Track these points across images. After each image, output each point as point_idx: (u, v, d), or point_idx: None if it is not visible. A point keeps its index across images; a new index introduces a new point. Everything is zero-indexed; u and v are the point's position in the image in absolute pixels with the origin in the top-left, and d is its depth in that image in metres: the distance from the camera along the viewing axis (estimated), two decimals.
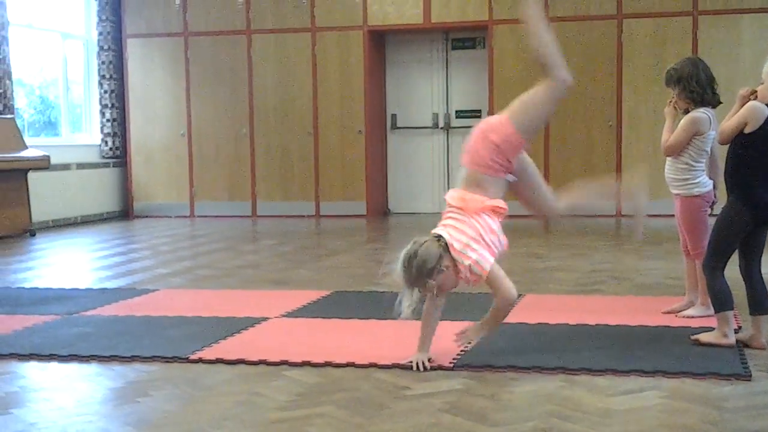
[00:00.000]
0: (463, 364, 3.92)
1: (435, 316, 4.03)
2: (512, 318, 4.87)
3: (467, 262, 3.83)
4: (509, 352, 4.11)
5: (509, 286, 3.94)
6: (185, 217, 11.88)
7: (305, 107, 11.58)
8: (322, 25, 11.45)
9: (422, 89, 11.98)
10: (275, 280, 6.54)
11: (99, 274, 7.03)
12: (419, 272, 3.79)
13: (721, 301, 4.19)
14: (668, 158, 4.78)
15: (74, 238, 9.71)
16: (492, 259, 3.91)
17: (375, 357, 4.04)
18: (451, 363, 3.93)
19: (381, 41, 11.92)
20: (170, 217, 11.85)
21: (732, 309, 4.23)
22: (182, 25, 11.80)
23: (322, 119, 11.55)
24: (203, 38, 11.76)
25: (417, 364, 3.89)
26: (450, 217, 4.02)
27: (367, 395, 3.55)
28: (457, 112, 11.89)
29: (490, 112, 11.07)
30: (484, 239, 3.92)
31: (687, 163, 4.69)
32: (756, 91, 4.17)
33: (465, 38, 11.80)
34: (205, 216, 11.81)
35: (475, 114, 11.70)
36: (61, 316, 5.15)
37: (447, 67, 11.91)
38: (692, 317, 4.78)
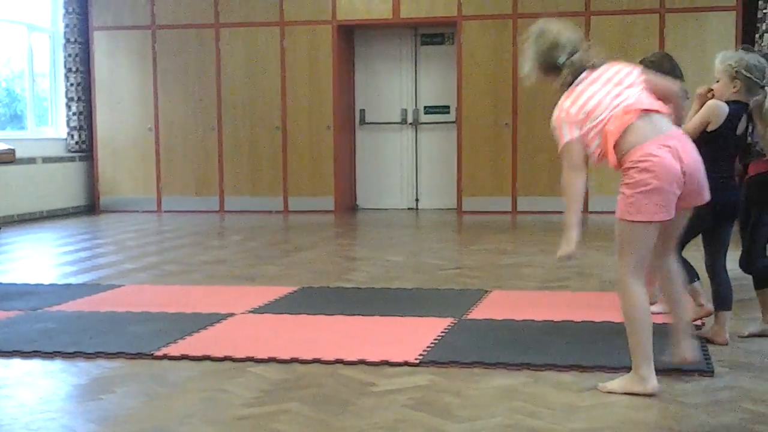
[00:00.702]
0: (429, 360, 3.92)
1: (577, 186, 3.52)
2: (478, 314, 4.89)
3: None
4: (475, 348, 4.11)
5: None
6: (152, 212, 11.80)
7: (274, 102, 11.54)
8: (291, 19, 11.42)
9: (391, 85, 11.98)
10: (242, 276, 6.51)
11: (64, 269, 6.96)
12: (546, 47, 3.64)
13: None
14: None
15: (39, 233, 9.62)
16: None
17: (341, 353, 4.03)
18: (416, 359, 3.93)
19: (350, 36, 11.90)
20: (137, 211, 11.77)
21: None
22: (150, 17, 11.72)
23: (290, 114, 11.52)
24: (171, 31, 11.68)
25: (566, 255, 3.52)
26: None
27: (332, 391, 3.54)
28: (425, 107, 11.89)
29: (459, 109, 11.11)
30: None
31: None
32: (712, 89, 4.21)
33: (434, 34, 11.81)
34: (173, 211, 11.74)
35: (444, 110, 11.72)
36: (24, 311, 5.10)
37: (416, 63, 11.91)
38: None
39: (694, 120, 4.16)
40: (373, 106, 12.06)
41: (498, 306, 5.11)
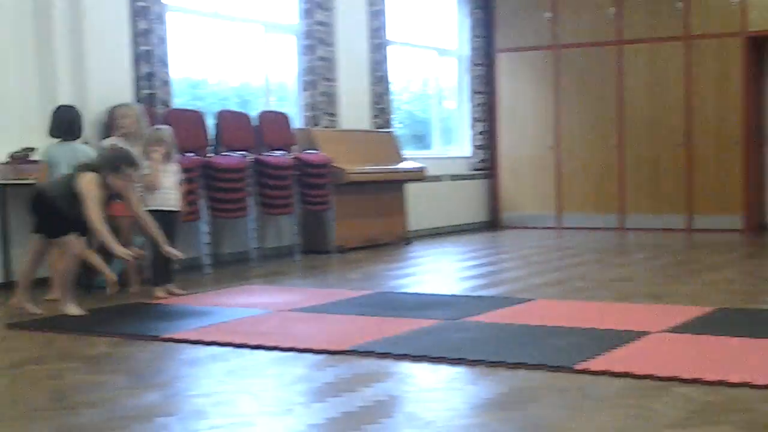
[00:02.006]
0: None
1: None
2: None
3: None
4: None
5: None
6: (552, 228, 11.93)
7: (677, 118, 11.23)
8: (696, 32, 11.07)
9: None
10: (651, 294, 6.38)
11: (474, 282, 7.22)
12: None
13: None
14: None
15: (446, 247, 10.07)
16: None
17: None
18: None
19: (761, 48, 11.30)
20: (537, 228, 11.96)
21: None
22: (552, 37, 11.88)
23: (695, 130, 11.16)
24: (573, 50, 11.77)
25: None
26: None
27: (766, 417, 3.35)
28: None
29: None
30: None
31: None
32: None
33: None
34: (572, 227, 11.79)
35: None
36: (444, 320, 5.34)
37: None
38: None
39: None
40: None
41: None
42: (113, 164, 5.74)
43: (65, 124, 6.62)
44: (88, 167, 5.79)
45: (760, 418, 3.36)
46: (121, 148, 6.15)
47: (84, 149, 6.62)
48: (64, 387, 3.98)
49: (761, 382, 3.76)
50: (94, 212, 5.63)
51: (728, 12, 10.92)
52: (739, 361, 4.19)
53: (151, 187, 6.49)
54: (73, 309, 5.76)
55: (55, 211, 5.76)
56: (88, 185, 5.66)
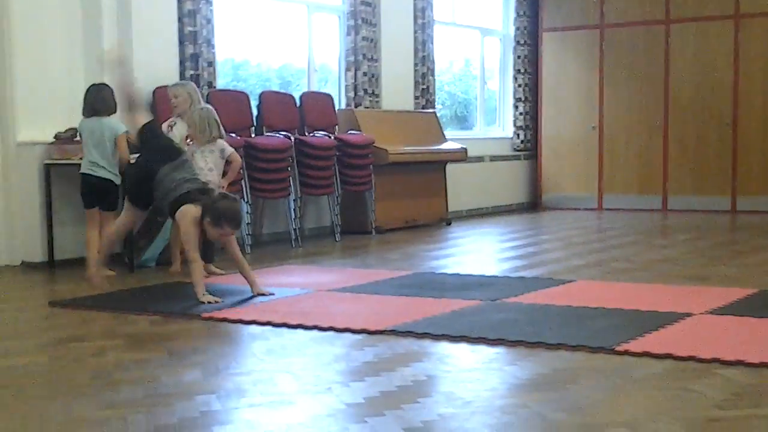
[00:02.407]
0: None
1: None
2: None
3: None
4: None
5: None
6: (593, 209, 11.85)
7: (724, 98, 11.10)
8: (746, 11, 10.90)
9: None
10: (694, 276, 6.32)
11: (514, 263, 7.19)
12: None
13: None
14: None
15: (487, 228, 10.04)
16: None
17: None
18: None
19: None
20: (578, 209, 11.89)
21: None
22: (599, 17, 11.76)
23: (742, 110, 11.01)
24: (619, 30, 11.65)
25: None
26: None
27: None
28: None
29: None
30: None
31: None
32: None
33: None
34: (613, 209, 11.71)
35: None
36: (484, 301, 5.32)
37: None
38: None
39: None
40: None
41: None
42: (217, 217, 5.47)
43: (89, 102, 6.64)
44: (198, 200, 5.56)
45: None
46: (236, 201, 5.72)
47: (108, 123, 6.59)
48: (106, 364, 4.03)
49: None
50: (191, 245, 5.51)
51: None
52: None
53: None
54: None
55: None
56: (188, 223, 5.50)
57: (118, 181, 6.57)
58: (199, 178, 5.86)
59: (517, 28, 12.06)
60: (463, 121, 12.21)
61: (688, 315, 4.80)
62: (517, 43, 12.08)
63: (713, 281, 6.08)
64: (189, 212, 5.51)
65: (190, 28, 7.90)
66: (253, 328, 4.78)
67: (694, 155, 11.33)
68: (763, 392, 3.42)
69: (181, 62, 7.91)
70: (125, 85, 6.14)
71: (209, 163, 6.53)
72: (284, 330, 4.69)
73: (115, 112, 6.62)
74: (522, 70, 12.15)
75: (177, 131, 6.72)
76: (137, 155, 6.12)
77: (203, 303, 5.32)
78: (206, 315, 5.03)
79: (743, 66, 10.97)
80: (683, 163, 11.39)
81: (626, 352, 4.04)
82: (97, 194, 6.55)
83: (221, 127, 6.64)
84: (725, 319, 4.71)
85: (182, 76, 7.85)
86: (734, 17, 10.97)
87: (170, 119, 6.88)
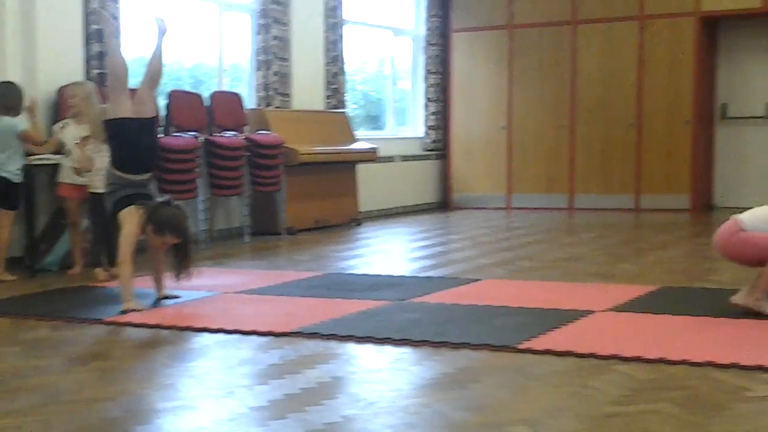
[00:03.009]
0: None
1: None
2: None
3: None
4: None
5: None
6: (502, 208, 11.99)
7: (628, 98, 11.32)
8: (651, 12, 11.15)
9: (756, 78, 11.35)
10: (598, 274, 6.44)
11: (423, 262, 7.23)
12: None
13: None
14: None
15: (397, 228, 10.08)
16: None
17: (711, 355, 3.86)
18: None
19: (713, 28, 11.41)
20: (488, 208, 12.01)
21: None
22: (508, 17, 11.89)
23: (646, 110, 11.26)
24: (528, 30, 11.79)
25: None
26: None
27: (704, 394, 3.40)
28: None
29: None
30: None
31: None
32: None
33: None
34: (522, 208, 11.86)
35: None
36: (392, 301, 5.34)
37: None
38: None
39: None
40: (736, 100, 11.49)
41: None
42: (159, 225, 5.28)
43: None
44: (142, 203, 5.39)
45: (698, 395, 3.40)
46: (179, 209, 5.47)
47: (6, 122, 6.46)
48: (4, 372, 3.92)
49: (699, 359, 3.82)
50: (129, 248, 5.32)
51: None
52: (679, 339, 4.25)
53: (83, 169, 6.45)
54: None
55: None
56: (134, 226, 5.32)
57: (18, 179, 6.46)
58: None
59: (428, 29, 12.12)
60: (375, 121, 12.23)
61: (590, 312, 4.88)
62: (428, 43, 12.15)
63: (617, 279, 6.20)
64: (136, 215, 5.34)
65: (96, 26, 7.74)
66: (157, 332, 4.71)
67: (600, 155, 11.54)
68: (659, 387, 3.50)
69: (87, 61, 7.76)
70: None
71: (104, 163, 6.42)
72: (189, 333, 4.64)
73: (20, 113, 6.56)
74: (433, 70, 12.22)
75: (68, 132, 6.62)
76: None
77: (125, 310, 5.13)
78: (109, 319, 4.95)
79: (647, 66, 11.22)
80: (589, 162, 11.59)
81: (529, 350, 4.09)
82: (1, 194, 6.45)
83: None
84: (626, 316, 4.81)
85: (88, 74, 7.69)
86: (638, 18, 11.21)
87: (63, 120, 6.80)
